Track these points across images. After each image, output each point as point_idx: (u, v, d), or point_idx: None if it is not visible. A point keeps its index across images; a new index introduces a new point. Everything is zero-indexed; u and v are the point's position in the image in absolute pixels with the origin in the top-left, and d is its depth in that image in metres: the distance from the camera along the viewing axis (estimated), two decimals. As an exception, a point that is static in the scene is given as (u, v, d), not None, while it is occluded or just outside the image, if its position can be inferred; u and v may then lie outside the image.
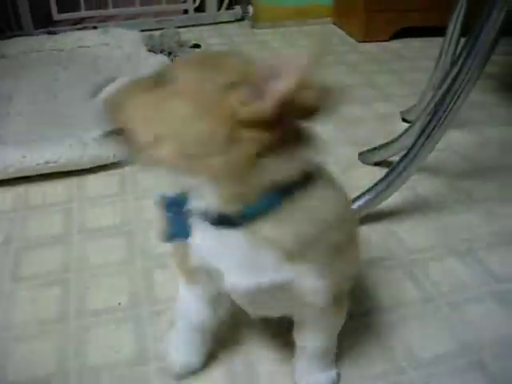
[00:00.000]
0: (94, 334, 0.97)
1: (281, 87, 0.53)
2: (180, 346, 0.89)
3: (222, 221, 0.62)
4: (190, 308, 0.83)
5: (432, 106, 1.31)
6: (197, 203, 0.62)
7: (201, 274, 0.74)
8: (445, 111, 1.12)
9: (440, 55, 1.51)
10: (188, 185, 0.62)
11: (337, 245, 0.67)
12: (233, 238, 0.63)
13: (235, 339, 0.95)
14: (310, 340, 0.82)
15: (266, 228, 0.61)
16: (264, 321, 0.93)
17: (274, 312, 0.82)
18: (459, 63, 1.12)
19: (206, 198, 0.61)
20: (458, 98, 1.10)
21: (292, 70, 0.53)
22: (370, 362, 0.92)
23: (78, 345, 0.95)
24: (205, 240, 0.67)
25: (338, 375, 0.89)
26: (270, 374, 0.90)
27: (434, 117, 1.13)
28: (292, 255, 0.63)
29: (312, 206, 0.63)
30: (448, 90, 1.12)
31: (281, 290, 0.67)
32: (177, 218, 0.66)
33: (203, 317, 0.83)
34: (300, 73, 0.53)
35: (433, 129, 1.13)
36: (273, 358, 0.92)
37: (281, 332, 0.92)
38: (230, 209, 0.60)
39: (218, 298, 0.79)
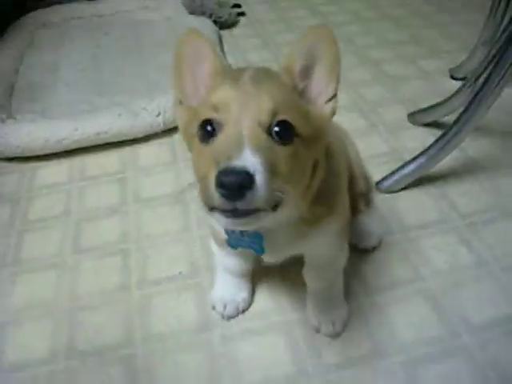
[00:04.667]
0: (157, 303, 1.01)
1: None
2: (225, 290, 0.98)
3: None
4: (227, 261, 0.95)
5: (485, 64, 1.26)
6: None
7: None
8: (501, 70, 1.06)
9: (492, 7, 1.43)
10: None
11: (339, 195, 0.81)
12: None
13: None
14: (320, 273, 0.91)
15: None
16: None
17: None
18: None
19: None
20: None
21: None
22: (425, 325, 0.93)
23: (142, 314, 0.99)
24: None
25: (348, 312, 0.95)
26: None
27: (490, 77, 1.08)
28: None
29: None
30: (506, 47, 1.06)
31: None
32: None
33: (239, 266, 0.95)
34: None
35: (488, 90, 1.09)
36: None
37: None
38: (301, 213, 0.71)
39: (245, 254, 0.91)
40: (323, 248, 0.85)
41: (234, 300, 0.97)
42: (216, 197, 0.56)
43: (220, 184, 0.55)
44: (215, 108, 0.62)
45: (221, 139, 0.60)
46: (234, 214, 0.57)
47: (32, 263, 1.12)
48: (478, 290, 0.99)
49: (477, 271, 1.03)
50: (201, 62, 0.70)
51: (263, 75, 0.66)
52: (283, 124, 0.61)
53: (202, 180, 0.59)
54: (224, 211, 0.57)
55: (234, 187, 0.54)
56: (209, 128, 0.62)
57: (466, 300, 0.97)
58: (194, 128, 0.65)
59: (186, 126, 0.69)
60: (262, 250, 0.75)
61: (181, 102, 0.72)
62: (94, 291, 1.05)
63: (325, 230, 0.78)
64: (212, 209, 0.59)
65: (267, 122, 0.60)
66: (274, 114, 0.60)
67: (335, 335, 0.92)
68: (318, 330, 0.93)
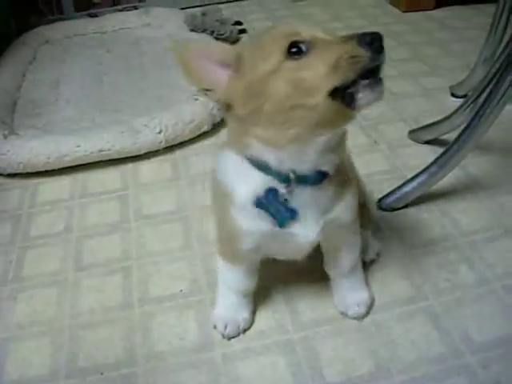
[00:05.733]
0: (158, 321, 1.00)
1: None
2: (226, 309, 0.98)
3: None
4: (232, 280, 0.96)
5: (486, 82, 1.27)
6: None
7: (248, 255, 0.89)
8: (502, 88, 1.07)
9: (492, 24, 1.44)
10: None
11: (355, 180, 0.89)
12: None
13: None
14: (340, 260, 0.95)
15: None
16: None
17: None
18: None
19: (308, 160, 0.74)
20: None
21: None
22: (427, 344, 0.93)
23: (143, 332, 0.98)
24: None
25: (373, 298, 1.00)
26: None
27: (491, 95, 1.09)
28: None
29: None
30: (507, 65, 1.07)
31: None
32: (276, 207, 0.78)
33: (243, 285, 0.96)
34: None
35: (489, 108, 1.09)
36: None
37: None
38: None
39: (254, 269, 0.95)
40: (344, 218, 0.86)
41: (235, 320, 0.96)
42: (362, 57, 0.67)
43: (369, 40, 0.69)
44: (294, 34, 0.69)
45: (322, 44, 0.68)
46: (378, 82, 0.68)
47: (33, 280, 1.12)
48: (479, 308, 0.99)
49: (478, 290, 1.02)
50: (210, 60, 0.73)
51: None
52: None
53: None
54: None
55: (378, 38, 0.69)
56: (296, 49, 0.67)
57: (468, 318, 0.96)
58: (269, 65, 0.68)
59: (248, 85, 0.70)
60: (292, 215, 0.78)
61: (209, 91, 0.74)
62: (95, 308, 1.04)
63: (349, 196, 0.84)
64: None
65: None
66: None
67: (361, 317, 0.97)
68: (345, 314, 0.98)
